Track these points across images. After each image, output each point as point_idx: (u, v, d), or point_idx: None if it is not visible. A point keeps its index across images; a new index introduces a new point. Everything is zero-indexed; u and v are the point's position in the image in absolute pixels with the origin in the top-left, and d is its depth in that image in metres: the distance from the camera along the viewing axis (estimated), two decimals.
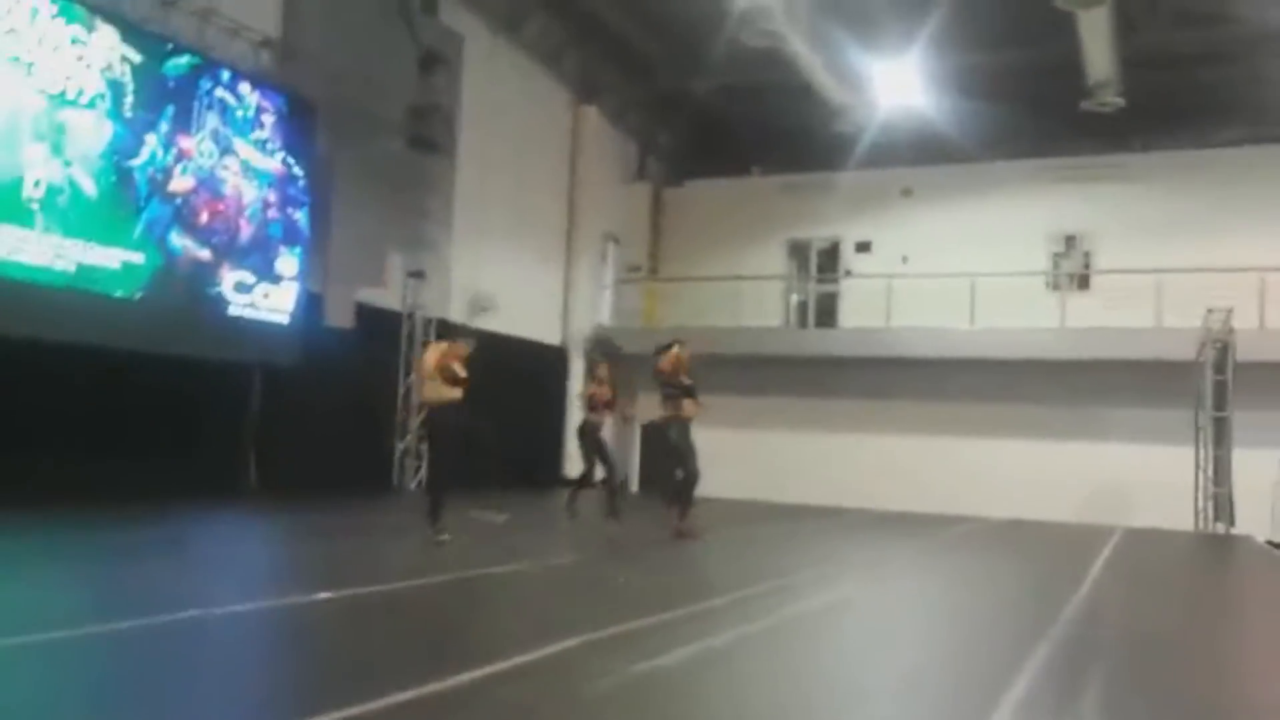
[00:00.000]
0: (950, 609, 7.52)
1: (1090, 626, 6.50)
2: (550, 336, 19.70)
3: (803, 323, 21.15)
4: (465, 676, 4.04)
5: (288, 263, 12.83)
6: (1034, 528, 15.39)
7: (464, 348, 8.97)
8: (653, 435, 10.77)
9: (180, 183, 11.35)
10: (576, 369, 19.41)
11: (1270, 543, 14.57)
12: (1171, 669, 5.34)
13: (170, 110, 11.20)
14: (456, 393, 8.68)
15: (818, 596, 7.45)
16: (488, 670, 4.18)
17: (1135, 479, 16.96)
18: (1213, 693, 4.83)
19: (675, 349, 10.42)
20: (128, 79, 10.65)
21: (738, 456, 19.93)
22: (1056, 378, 17.83)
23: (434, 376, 8.75)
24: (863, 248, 21.06)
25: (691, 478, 10.22)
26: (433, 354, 9.07)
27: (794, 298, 21.71)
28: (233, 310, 12.09)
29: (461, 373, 8.75)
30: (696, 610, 6.14)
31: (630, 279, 22.11)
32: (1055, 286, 19.33)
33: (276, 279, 12.70)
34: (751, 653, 5.12)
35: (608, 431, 11.88)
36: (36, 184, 9.78)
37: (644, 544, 9.96)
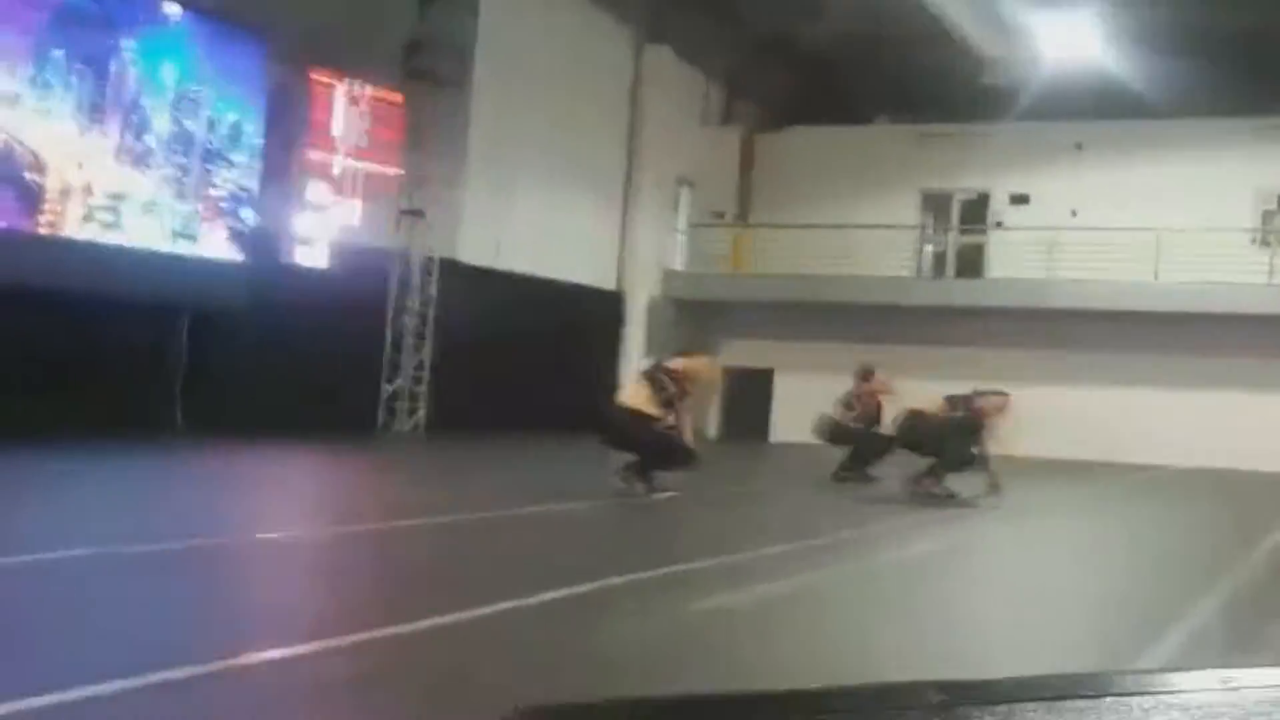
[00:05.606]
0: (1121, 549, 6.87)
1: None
2: (605, 282, 18.75)
3: (939, 273, 20.61)
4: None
5: (237, 198, 11.72)
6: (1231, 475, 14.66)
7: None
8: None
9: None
10: (636, 314, 18.75)
11: None
12: None
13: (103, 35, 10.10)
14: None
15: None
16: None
17: None
18: None
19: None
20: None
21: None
22: (1262, 332, 17.35)
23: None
24: (1019, 200, 20.31)
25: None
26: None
27: (928, 249, 21.02)
28: (167, 248, 11.00)
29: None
30: (817, 544, 5.67)
31: (712, 224, 21.20)
32: (1264, 243, 18.87)
33: (225, 214, 11.60)
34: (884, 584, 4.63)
35: None
36: None
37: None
